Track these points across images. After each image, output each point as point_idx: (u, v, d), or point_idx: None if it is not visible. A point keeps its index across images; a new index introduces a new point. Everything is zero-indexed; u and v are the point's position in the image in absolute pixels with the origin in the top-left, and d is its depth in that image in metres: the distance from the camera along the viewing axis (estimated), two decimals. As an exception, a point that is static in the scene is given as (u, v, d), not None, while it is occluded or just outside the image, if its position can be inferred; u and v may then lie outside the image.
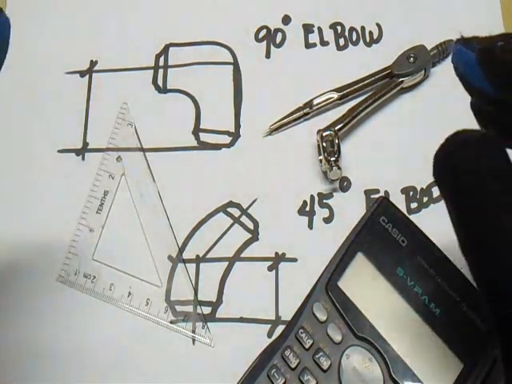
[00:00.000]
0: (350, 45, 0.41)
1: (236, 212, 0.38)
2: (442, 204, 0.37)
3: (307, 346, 0.30)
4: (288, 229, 0.37)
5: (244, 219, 0.37)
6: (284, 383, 0.30)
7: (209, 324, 0.35)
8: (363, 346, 0.30)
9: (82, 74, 0.42)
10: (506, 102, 0.21)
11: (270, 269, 0.36)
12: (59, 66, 0.42)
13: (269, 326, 0.35)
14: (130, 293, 0.36)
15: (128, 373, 0.34)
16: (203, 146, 0.39)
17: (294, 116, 0.39)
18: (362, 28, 0.41)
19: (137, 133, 0.40)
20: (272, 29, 0.42)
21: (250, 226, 0.37)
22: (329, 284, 0.31)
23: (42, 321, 0.36)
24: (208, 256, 0.37)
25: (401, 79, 0.38)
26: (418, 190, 0.37)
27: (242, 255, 0.37)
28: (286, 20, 0.42)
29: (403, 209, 0.36)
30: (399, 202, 0.37)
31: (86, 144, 0.40)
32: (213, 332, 0.35)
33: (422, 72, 0.39)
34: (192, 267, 0.37)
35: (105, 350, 0.35)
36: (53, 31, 0.43)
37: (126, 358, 0.35)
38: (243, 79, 0.41)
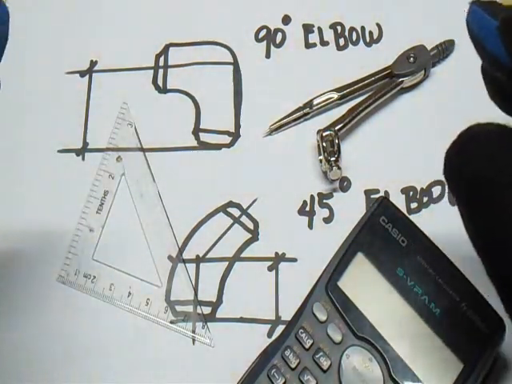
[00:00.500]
0: (349, 45, 0.41)
1: (236, 212, 0.38)
2: (442, 204, 0.37)
3: (307, 346, 0.30)
4: (288, 229, 0.37)
5: (244, 219, 0.37)
6: (284, 383, 0.30)
7: (209, 324, 0.35)
8: (363, 346, 0.30)
9: (81, 74, 0.42)
10: None
11: (269, 269, 0.36)
12: (59, 66, 0.42)
13: (269, 325, 0.35)
14: (130, 293, 0.36)
15: (128, 373, 0.34)
16: (203, 146, 0.39)
17: (294, 116, 0.39)
18: (362, 28, 0.41)
19: (137, 133, 0.40)
20: (272, 29, 0.42)
21: (250, 226, 0.37)
22: (329, 284, 0.31)
23: (42, 321, 0.36)
24: (208, 256, 0.37)
25: (401, 79, 0.38)
26: (418, 190, 0.37)
27: (242, 255, 0.37)
28: (286, 20, 0.42)
29: (403, 209, 0.36)
30: (399, 202, 0.37)
31: (85, 144, 0.40)
32: (213, 332, 0.35)
33: (422, 72, 0.39)
34: (192, 267, 0.37)
35: (105, 350, 0.35)
36: (53, 31, 0.43)
37: (126, 358, 0.35)
38: (243, 79, 0.41)
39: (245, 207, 0.38)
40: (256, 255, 0.36)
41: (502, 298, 0.20)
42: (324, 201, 0.37)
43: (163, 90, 0.41)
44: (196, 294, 0.36)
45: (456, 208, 0.36)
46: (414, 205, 0.37)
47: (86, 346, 0.35)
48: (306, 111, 0.39)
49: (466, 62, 0.39)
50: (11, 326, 0.36)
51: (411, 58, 0.39)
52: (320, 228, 0.37)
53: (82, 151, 0.40)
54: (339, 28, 0.42)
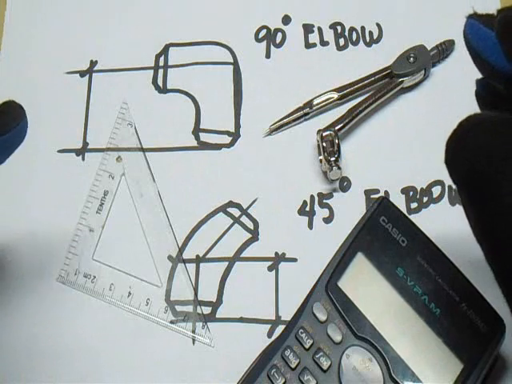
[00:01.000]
0: (349, 45, 0.41)
1: (236, 212, 0.38)
2: (442, 204, 0.37)
3: (307, 346, 0.30)
4: (288, 229, 0.37)
5: (244, 219, 0.37)
6: (284, 383, 0.30)
7: (209, 324, 0.35)
8: (363, 346, 0.30)
9: (81, 74, 0.42)
10: None
11: (269, 269, 0.36)
12: (59, 65, 0.42)
13: (269, 325, 0.35)
14: (130, 293, 0.36)
15: (128, 373, 0.34)
16: (203, 146, 0.39)
17: (294, 116, 0.39)
18: (362, 28, 0.41)
19: (137, 133, 0.40)
20: (272, 29, 0.42)
21: (250, 226, 0.37)
22: (329, 284, 0.31)
23: (42, 321, 0.36)
24: (208, 256, 0.37)
25: (401, 79, 0.38)
26: (418, 190, 0.37)
27: (242, 255, 0.37)
28: (286, 20, 0.42)
29: (403, 209, 0.36)
30: (399, 202, 0.37)
31: (85, 144, 0.40)
32: (213, 332, 0.35)
33: (422, 72, 0.39)
34: (192, 267, 0.37)
35: (105, 350, 0.35)
36: (53, 31, 0.43)
37: (126, 358, 0.35)
38: (243, 79, 0.41)
39: (245, 207, 0.38)
40: (256, 255, 0.36)
41: (502, 289, 0.20)
42: (324, 201, 0.37)
43: (163, 90, 0.41)
44: (196, 294, 0.36)
45: (456, 208, 0.37)
46: (414, 205, 0.37)
47: (85, 346, 0.35)
48: (305, 111, 0.39)
49: (466, 62, 0.39)
50: (11, 326, 0.36)
51: (411, 58, 0.39)
52: (320, 228, 0.37)
53: (82, 151, 0.40)
54: (339, 28, 0.42)
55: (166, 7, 0.43)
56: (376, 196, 0.37)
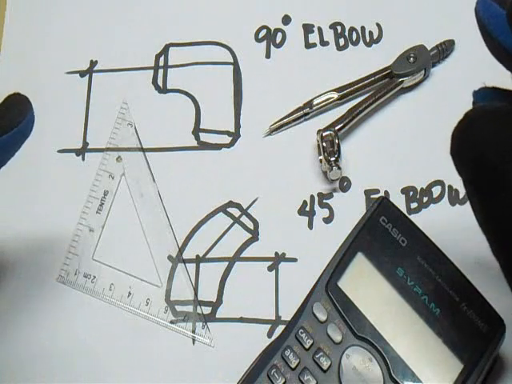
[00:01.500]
0: (349, 45, 0.41)
1: (236, 212, 0.38)
2: (442, 204, 0.37)
3: (307, 346, 0.30)
4: (288, 229, 0.37)
5: (244, 219, 0.37)
6: (284, 383, 0.30)
7: (209, 324, 0.35)
8: (363, 346, 0.30)
9: (81, 73, 0.42)
10: None
11: (269, 269, 0.36)
12: (59, 66, 0.42)
13: (269, 325, 0.35)
14: (130, 293, 0.36)
15: (128, 373, 0.34)
16: (203, 146, 0.39)
17: (294, 116, 0.39)
18: (362, 28, 0.41)
19: (137, 133, 0.40)
20: (272, 29, 0.42)
21: (250, 226, 0.37)
22: (329, 284, 0.31)
23: (42, 321, 0.36)
24: (208, 256, 0.37)
25: (401, 79, 0.38)
26: (418, 190, 0.37)
27: (242, 255, 0.37)
28: (286, 20, 0.42)
29: (403, 209, 0.36)
30: (399, 202, 0.37)
31: (85, 144, 0.40)
32: (213, 332, 0.35)
33: (422, 72, 0.39)
34: (192, 267, 0.37)
35: (104, 350, 0.35)
36: (53, 31, 0.43)
37: (126, 358, 0.35)
38: (243, 79, 0.41)
39: (245, 207, 0.38)
40: (256, 255, 0.36)
41: (508, 282, 0.20)
42: (324, 201, 0.37)
43: (163, 89, 0.41)
44: (196, 294, 0.36)
45: (456, 208, 0.37)
46: (414, 205, 0.37)
47: (85, 346, 0.35)
48: (305, 111, 0.39)
49: (466, 62, 0.40)
50: (11, 326, 0.36)
51: (411, 58, 0.39)
52: (320, 228, 0.37)
53: (82, 151, 0.40)
54: (339, 28, 0.42)
55: (166, 7, 0.43)
56: (376, 196, 0.37)
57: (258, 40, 0.42)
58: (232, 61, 0.41)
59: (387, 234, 0.31)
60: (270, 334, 0.34)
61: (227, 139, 0.40)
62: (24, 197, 0.39)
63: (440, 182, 0.37)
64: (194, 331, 0.35)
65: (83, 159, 0.40)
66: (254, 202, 0.38)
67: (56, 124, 0.41)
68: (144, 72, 0.42)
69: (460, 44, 0.40)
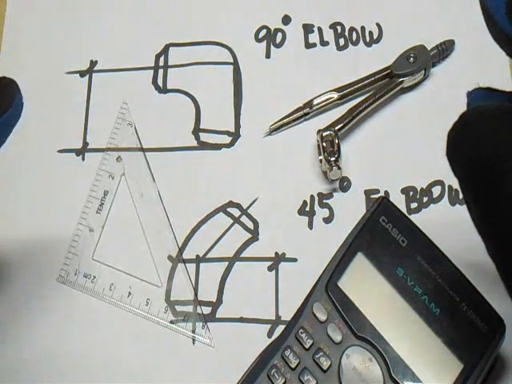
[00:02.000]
0: (349, 45, 0.41)
1: (236, 212, 0.38)
2: (442, 204, 0.37)
3: (307, 346, 0.30)
4: (288, 229, 0.37)
5: (244, 219, 0.37)
6: (284, 383, 0.30)
7: (209, 324, 0.35)
8: (363, 346, 0.30)
9: (81, 73, 0.42)
10: None
11: (269, 269, 0.36)
12: (59, 65, 0.42)
13: (269, 325, 0.35)
14: (130, 293, 0.36)
15: (128, 373, 0.34)
16: (203, 146, 0.39)
17: (294, 116, 0.39)
18: (362, 28, 0.41)
19: (137, 133, 0.40)
20: (272, 29, 0.42)
21: (250, 226, 0.37)
22: (329, 284, 0.31)
23: (42, 321, 0.36)
24: (208, 256, 0.37)
25: (401, 79, 0.38)
26: (418, 190, 0.37)
27: (242, 255, 0.37)
28: (286, 20, 0.42)
29: (403, 209, 0.36)
30: (399, 202, 0.37)
31: (85, 144, 0.40)
32: (213, 332, 0.35)
33: (422, 72, 0.39)
34: (192, 267, 0.37)
35: (105, 350, 0.35)
36: (53, 31, 0.43)
37: (126, 358, 0.35)
38: (243, 79, 0.41)
39: (245, 207, 0.38)
40: (256, 255, 0.36)
41: (505, 283, 0.20)
42: (324, 201, 0.37)
43: (163, 90, 0.41)
44: (196, 294, 0.36)
45: (456, 208, 0.37)
46: (414, 205, 0.37)
47: (85, 346, 0.35)
48: (305, 111, 0.39)
49: (466, 61, 0.40)
50: (11, 326, 0.36)
51: (411, 58, 0.39)
52: (320, 228, 0.37)
53: (82, 151, 0.40)
54: (339, 28, 0.42)
55: (166, 7, 0.43)
56: (376, 196, 0.37)
57: (257, 40, 0.42)
58: (232, 61, 0.41)
59: (387, 234, 0.31)
60: (270, 334, 0.34)
61: (227, 139, 0.40)
62: (24, 197, 0.39)
63: (440, 182, 0.37)
64: (194, 331, 0.35)
65: (83, 159, 0.40)
66: (253, 202, 0.38)
67: (56, 124, 0.41)
68: (144, 72, 0.42)
69: (460, 44, 0.40)
